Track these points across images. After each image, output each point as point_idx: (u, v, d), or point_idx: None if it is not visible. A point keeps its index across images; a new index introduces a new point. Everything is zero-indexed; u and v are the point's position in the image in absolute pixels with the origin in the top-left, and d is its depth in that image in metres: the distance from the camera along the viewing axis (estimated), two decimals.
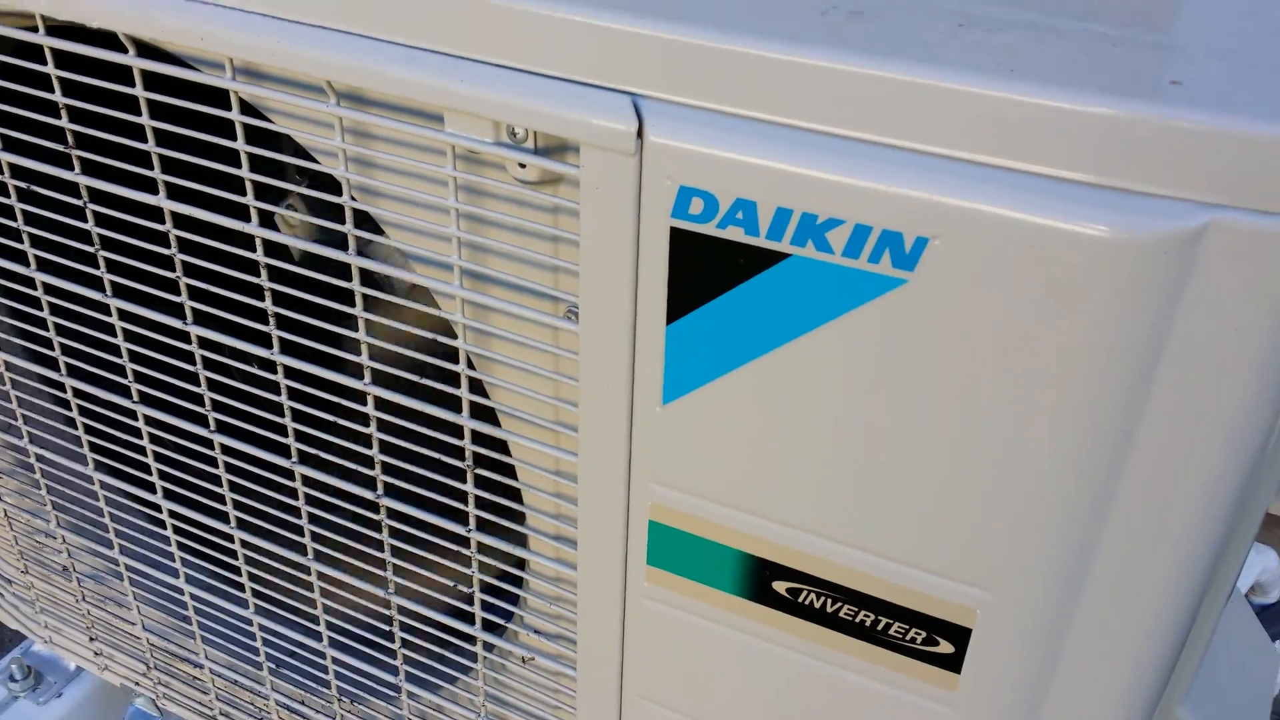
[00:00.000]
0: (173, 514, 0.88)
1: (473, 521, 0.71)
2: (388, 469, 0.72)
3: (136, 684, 1.08)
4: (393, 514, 0.74)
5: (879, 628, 0.61)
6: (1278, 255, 0.44)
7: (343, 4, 0.57)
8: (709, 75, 0.50)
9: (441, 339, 0.65)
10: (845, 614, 0.61)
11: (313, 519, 0.78)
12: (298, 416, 0.74)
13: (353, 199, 0.62)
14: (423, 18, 0.55)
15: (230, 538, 0.85)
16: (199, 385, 0.76)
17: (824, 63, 0.48)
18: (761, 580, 0.63)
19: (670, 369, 0.58)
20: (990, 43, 0.49)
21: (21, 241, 0.78)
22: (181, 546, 0.91)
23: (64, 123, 0.69)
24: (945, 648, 0.59)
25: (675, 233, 0.53)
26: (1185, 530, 0.51)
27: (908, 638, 0.60)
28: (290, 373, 0.71)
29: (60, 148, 0.70)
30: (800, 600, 0.62)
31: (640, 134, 0.52)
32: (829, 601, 0.61)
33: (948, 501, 0.54)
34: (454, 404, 0.67)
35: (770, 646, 0.65)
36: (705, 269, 0.54)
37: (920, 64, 0.47)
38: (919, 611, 0.59)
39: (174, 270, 0.71)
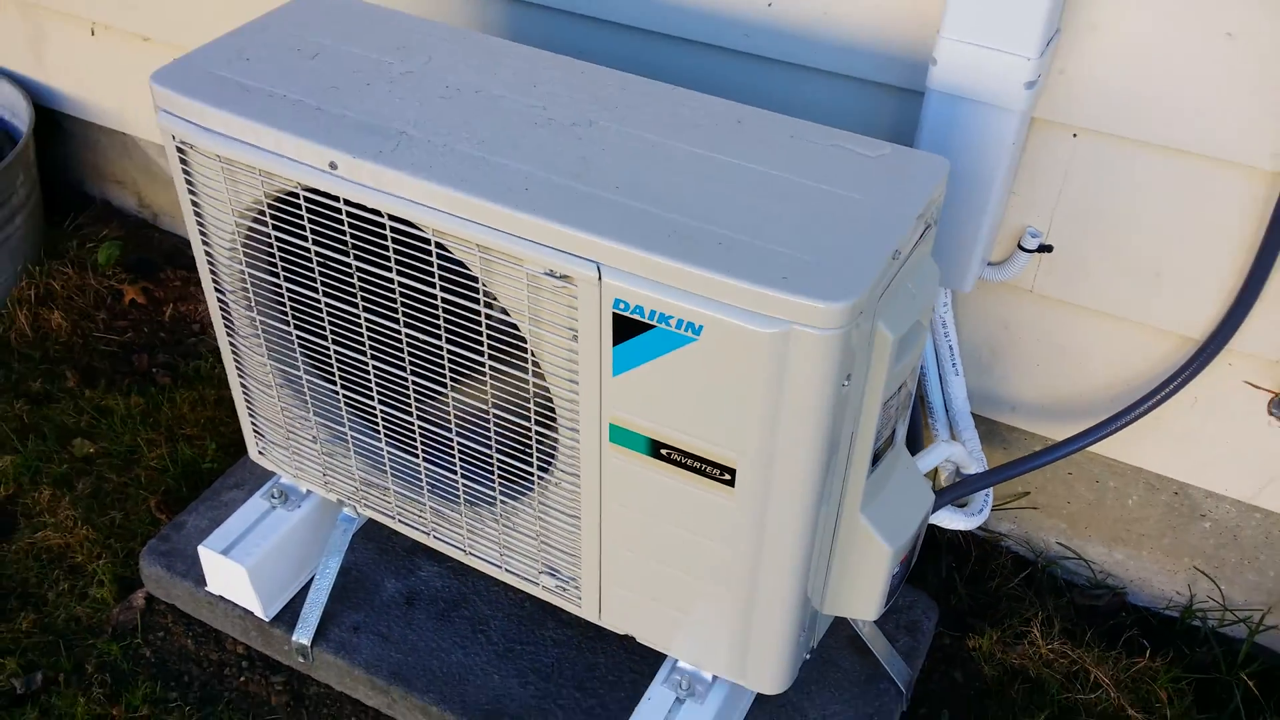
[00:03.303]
0: (382, 415, 1.75)
1: (533, 421, 1.57)
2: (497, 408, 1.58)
3: (348, 499, 1.97)
4: (500, 433, 1.61)
5: (703, 469, 1.46)
6: (819, 344, 1.28)
7: (468, 209, 1.40)
8: (621, 259, 1.34)
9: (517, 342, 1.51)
10: (689, 463, 1.47)
11: (460, 431, 1.65)
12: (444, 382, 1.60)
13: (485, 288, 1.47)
14: (536, 231, 1.39)
15: (412, 427, 1.72)
16: (403, 362, 1.62)
17: (660, 260, 1.31)
18: (655, 448, 1.48)
19: (615, 362, 1.43)
20: (731, 254, 1.32)
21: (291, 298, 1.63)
22: (386, 427, 1.78)
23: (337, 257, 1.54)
24: (727, 476, 1.45)
25: (614, 314, 1.38)
26: (803, 460, 1.36)
27: (714, 472, 1.46)
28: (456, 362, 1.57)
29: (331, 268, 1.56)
30: (670, 457, 1.48)
31: (600, 278, 1.36)
32: (682, 457, 1.47)
33: (717, 418, 1.40)
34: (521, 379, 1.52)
35: (659, 476, 1.51)
36: (627, 327, 1.38)
37: (703, 268, 1.30)
38: (717, 463, 1.44)
39: (359, 321, 1.57)
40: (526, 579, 1.82)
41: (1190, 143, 1.68)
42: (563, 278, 1.39)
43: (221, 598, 2.10)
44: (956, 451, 1.81)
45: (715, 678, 1.77)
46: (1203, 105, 1.65)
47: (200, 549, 2.00)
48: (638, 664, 1.97)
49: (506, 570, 1.83)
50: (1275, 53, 1.58)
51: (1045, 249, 1.86)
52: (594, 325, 1.41)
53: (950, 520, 1.86)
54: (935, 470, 2.04)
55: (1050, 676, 2.02)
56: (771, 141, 1.51)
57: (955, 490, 1.83)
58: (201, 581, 2.10)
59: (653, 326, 1.36)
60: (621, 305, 1.37)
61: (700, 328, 1.33)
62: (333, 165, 1.49)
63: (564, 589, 1.78)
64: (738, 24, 1.91)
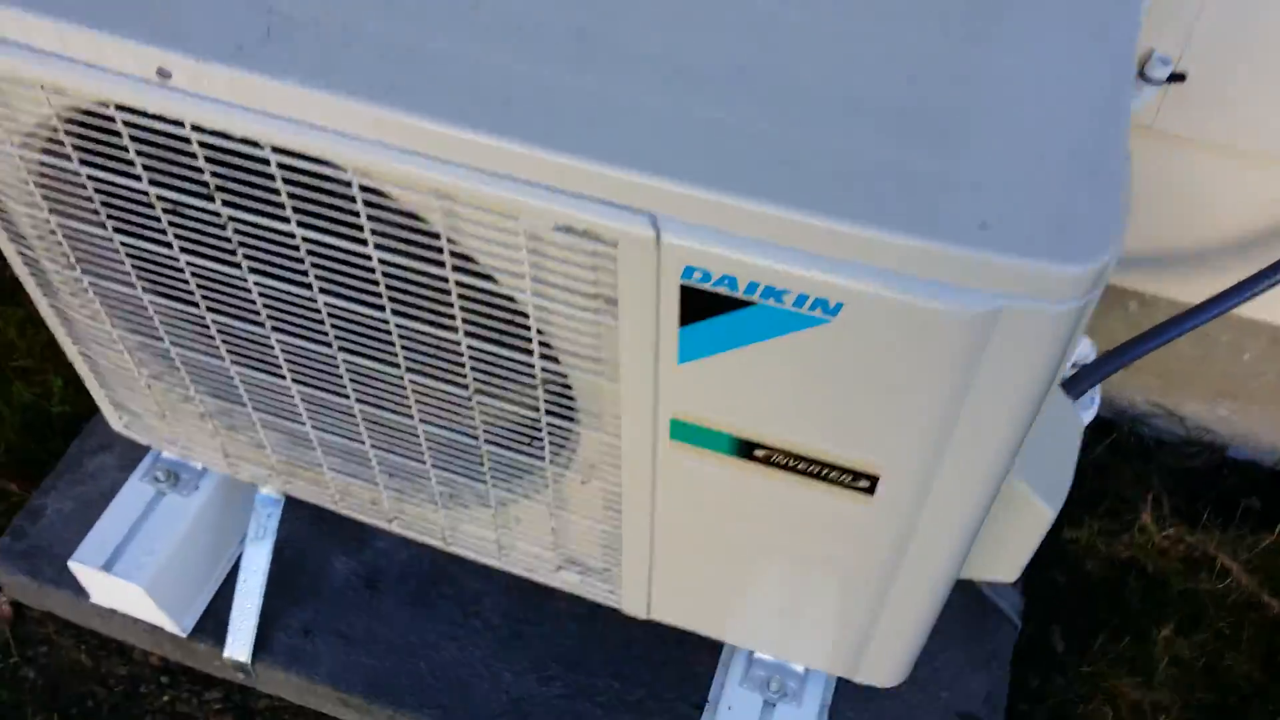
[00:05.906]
0: (302, 396, 1.20)
1: (543, 413, 1.05)
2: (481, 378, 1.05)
3: (264, 481, 1.44)
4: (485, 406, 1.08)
5: (827, 475, 0.98)
6: (1035, 320, 0.77)
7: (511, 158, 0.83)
8: (694, 208, 0.79)
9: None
10: (801, 467, 0.98)
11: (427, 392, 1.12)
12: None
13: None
14: (539, 169, 0.82)
15: (350, 409, 1.18)
16: (325, 335, 1.07)
17: (763, 209, 0.77)
18: (744, 448, 0.99)
19: (683, 349, 0.90)
20: (882, 190, 0.78)
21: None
22: (310, 411, 1.24)
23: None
24: (865, 484, 0.97)
25: (683, 288, 0.84)
26: (984, 463, 0.88)
27: (844, 479, 0.97)
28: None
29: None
30: (770, 459, 0.99)
31: (658, 237, 0.81)
32: (790, 459, 0.98)
33: (854, 418, 0.90)
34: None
35: (751, 479, 1.02)
36: (704, 303, 0.85)
37: (843, 218, 0.76)
38: (852, 469, 0.96)
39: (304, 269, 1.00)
40: (538, 573, 1.35)
41: None
42: (586, 234, 0.84)
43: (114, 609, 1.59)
44: (1083, 349, 1.35)
45: (807, 669, 1.36)
46: None
47: (71, 565, 1.47)
48: (685, 633, 1.54)
49: (505, 562, 1.36)
50: None
51: (1177, 78, 1.36)
52: (647, 300, 0.87)
53: None
54: None
55: (1169, 568, 1.66)
56: None
57: (1078, 386, 1.38)
58: (82, 589, 1.58)
59: (751, 303, 0.83)
60: (697, 275, 0.83)
61: (838, 306, 0.81)
62: (163, 73, 0.87)
63: (593, 585, 1.32)
64: None
